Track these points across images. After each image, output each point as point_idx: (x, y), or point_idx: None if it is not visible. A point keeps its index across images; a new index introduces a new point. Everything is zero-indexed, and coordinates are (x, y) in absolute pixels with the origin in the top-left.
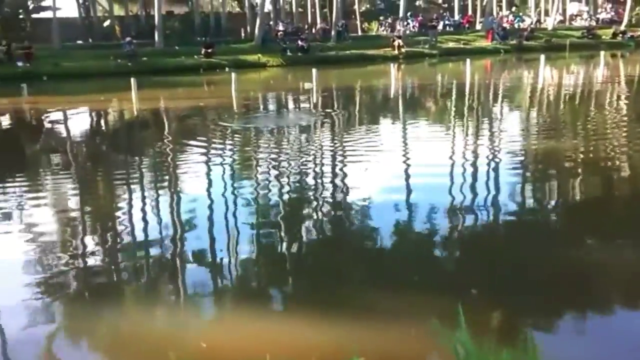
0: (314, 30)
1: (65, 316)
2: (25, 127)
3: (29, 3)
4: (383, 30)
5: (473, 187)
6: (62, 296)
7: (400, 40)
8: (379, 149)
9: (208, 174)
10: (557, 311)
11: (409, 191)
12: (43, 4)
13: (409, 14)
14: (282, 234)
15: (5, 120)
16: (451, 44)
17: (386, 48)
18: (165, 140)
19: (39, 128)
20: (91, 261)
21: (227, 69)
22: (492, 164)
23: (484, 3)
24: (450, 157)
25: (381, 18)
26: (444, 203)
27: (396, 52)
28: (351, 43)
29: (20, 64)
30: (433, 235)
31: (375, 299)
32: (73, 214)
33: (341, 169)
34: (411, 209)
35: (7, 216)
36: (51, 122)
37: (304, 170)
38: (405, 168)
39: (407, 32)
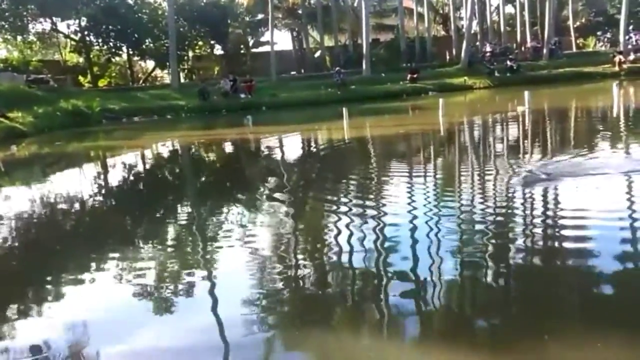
0: (523, 49)
1: (277, 328)
2: (249, 154)
3: (249, 39)
4: (602, 46)
5: None
6: (275, 310)
7: (621, 56)
8: None
9: (411, 201)
10: None
11: None
12: (262, 39)
13: (630, 27)
14: (489, 262)
15: (234, 148)
16: None
17: (605, 65)
18: (370, 168)
19: (260, 155)
20: (300, 278)
21: (430, 93)
22: None
23: None
24: None
25: (599, 33)
26: None
27: (617, 68)
28: (565, 61)
29: (242, 95)
30: None
31: None
32: (285, 232)
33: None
34: None
35: (229, 232)
36: (271, 149)
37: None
38: None
39: (630, 46)
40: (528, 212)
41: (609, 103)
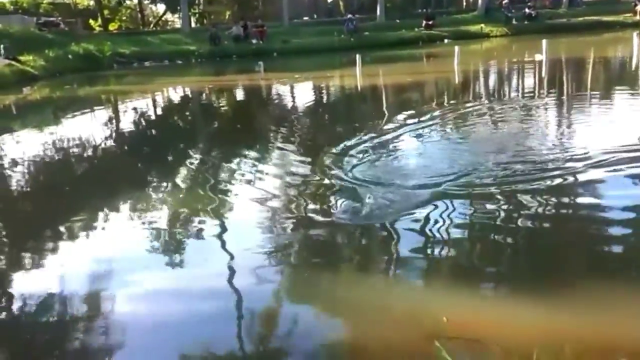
0: None
1: (287, 277)
2: (260, 101)
3: None
4: None
5: None
6: (285, 256)
7: None
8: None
9: (418, 150)
10: None
11: None
12: None
13: None
14: (499, 216)
15: (245, 94)
16: None
17: (626, 14)
18: (381, 115)
19: (273, 102)
20: (309, 222)
21: (446, 41)
22: None
23: None
24: None
25: None
26: None
27: (638, 17)
28: (585, 9)
29: (254, 41)
30: None
31: None
32: (295, 178)
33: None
34: None
35: (240, 177)
36: (282, 96)
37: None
38: None
39: None
40: None
41: (620, 55)
